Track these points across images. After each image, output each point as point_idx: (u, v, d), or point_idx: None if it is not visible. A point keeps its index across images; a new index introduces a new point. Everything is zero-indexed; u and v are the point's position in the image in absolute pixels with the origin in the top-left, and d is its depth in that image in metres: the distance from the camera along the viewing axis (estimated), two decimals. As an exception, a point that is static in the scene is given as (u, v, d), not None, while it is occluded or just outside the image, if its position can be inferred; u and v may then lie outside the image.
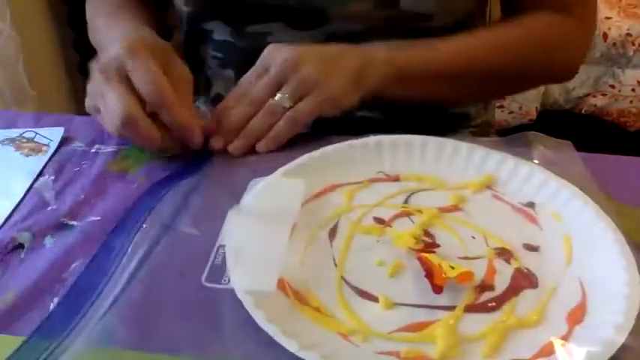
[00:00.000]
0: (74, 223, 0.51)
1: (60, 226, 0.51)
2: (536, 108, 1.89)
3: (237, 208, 0.48)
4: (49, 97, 1.53)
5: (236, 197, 0.50)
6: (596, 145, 0.63)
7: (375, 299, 0.42)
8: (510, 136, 0.55)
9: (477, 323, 0.40)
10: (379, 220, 0.48)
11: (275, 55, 0.59)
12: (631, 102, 1.84)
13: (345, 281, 0.43)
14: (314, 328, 0.39)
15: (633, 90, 1.83)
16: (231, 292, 0.41)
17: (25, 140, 0.61)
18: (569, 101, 1.88)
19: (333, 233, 0.47)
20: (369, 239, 0.47)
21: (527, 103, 1.86)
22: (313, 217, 0.48)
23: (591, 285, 0.42)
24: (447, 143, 0.54)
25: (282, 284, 0.42)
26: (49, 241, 0.50)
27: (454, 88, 0.66)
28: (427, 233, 0.47)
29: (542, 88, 1.84)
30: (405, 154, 0.54)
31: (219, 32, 0.71)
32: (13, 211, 0.52)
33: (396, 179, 0.53)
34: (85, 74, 1.73)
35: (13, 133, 0.62)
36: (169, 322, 0.40)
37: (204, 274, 0.44)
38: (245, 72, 0.60)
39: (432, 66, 0.63)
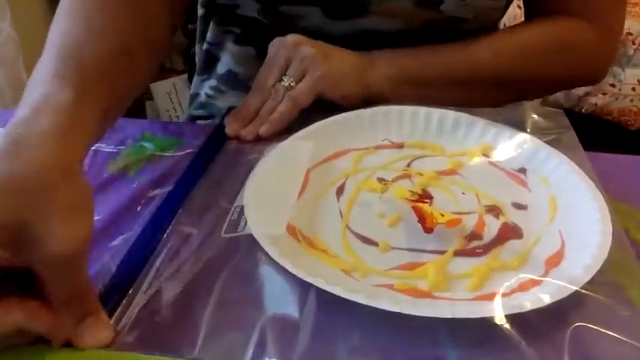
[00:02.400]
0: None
1: (60, 226, 0.51)
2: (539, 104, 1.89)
3: (254, 169, 0.51)
4: (49, 96, 1.53)
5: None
6: (597, 144, 0.63)
7: (375, 244, 0.46)
8: (507, 106, 0.60)
9: (464, 265, 0.44)
10: (382, 180, 0.53)
11: (279, 44, 0.62)
12: (631, 101, 1.84)
13: (349, 229, 0.48)
14: (320, 264, 0.44)
15: (633, 89, 1.83)
16: (247, 237, 0.44)
17: (25, 140, 0.61)
18: (570, 100, 1.88)
19: (340, 190, 0.52)
20: (372, 195, 0.51)
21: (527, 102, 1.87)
22: (324, 177, 0.53)
23: (569, 236, 0.46)
24: (449, 114, 0.58)
25: (292, 230, 0.46)
26: (49, 241, 0.49)
27: (459, 92, 0.66)
28: (425, 191, 0.52)
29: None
30: (410, 124, 0.59)
31: (246, 8, 0.68)
32: (14, 211, 0.52)
33: (401, 146, 0.57)
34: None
35: (13, 132, 0.62)
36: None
37: (224, 228, 0.47)
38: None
39: (433, 70, 0.64)
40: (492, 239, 0.46)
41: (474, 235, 0.47)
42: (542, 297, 0.39)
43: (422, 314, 0.38)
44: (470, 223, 0.48)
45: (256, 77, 0.63)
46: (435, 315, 0.38)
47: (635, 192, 0.53)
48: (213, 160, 0.57)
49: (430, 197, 0.51)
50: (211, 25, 0.75)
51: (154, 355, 0.38)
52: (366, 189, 0.52)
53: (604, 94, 1.85)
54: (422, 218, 0.46)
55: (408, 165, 0.55)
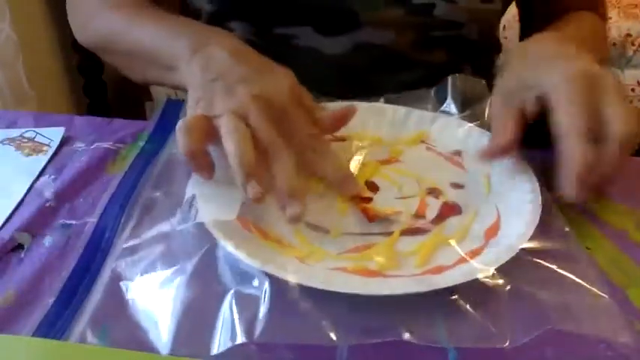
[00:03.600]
0: (74, 223, 0.51)
1: (60, 226, 0.51)
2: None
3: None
4: (48, 97, 1.53)
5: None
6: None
7: (326, 231, 0.48)
8: (435, 87, 0.61)
9: (411, 243, 0.47)
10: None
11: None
12: (631, 102, 1.84)
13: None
14: (275, 253, 0.45)
15: (633, 90, 1.83)
16: (200, 225, 0.45)
17: (25, 140, 0.61)
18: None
19: None
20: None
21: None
22: None
23: (504, 209, 0.49)
24: (388, 108, 0.60)
25: (246, 224, 0.47)
26: (48, 241, 0.50)
27: None
28: (369, 182, 0.53)
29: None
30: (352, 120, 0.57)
31: (242, 31, 0.68)
32: (14, 211, 0.53)
33: (343, 139, 0.57)
34: (84, 74, 1.73)
35: (14, 133, 0.62)
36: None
37: (177, 219, 0.46)
38: None
39: None
40: (434, 218, 0.49)
41: (418, 216, 0.50)
42: (485, 265, 0.42)
43: (374, 293, 0.40)
44: (412, 205, 0.50)
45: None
46: (386, 292, 0.40)
47: (633, 194, 0.53)
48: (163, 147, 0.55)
49: (376, 188, 0.52)
50: None
51: (154, 355, 0.38)
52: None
53: (603, 95, 1.86)
54: (365, 213, 0.49)
55: (352, 157, 0.56)
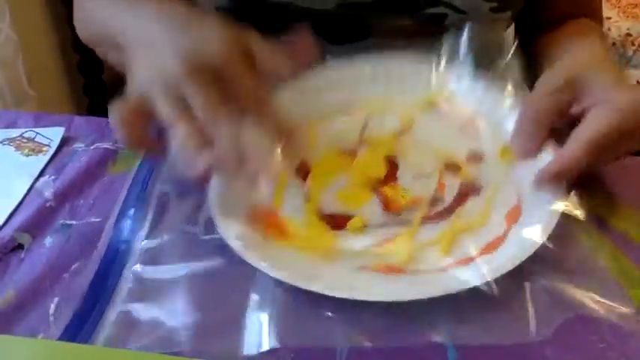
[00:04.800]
0: (74, 223, 0.51)
1: (60, 227, 0.51)
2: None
3: None
4: (48, 97, 1.53)
5: None
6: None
7: (345, 224, 0.47)
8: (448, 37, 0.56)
9: (431, 232, 0.46)
10: (343, 153, 0.52)
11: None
12: (631, 102, 1.84)
13: (319, 213, 0.48)
14: (298, 258, 0.44)
15: (633, 90, 1.83)
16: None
17: (25, 140, 0.61)
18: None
19: (302, 170, 0.51)
20: (337, 174, 0.51)
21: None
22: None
23: (524, 185, 0.47)
24: (394, 65, 0.57)
25: (261, 217, 0.46)
26: (48, 241, 0.50)
27: None
28: (389, 160, 0.51)
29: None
30: (355, 80, 0.56)
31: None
32: (14, 211, 0.53)
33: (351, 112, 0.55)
34: (84, 74, 1.73)
35: (14, 133, 0.62)
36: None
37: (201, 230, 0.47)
38: None
39: None
40: (453, 200, 0.48)
41: (437, 199, 0.48)
42: (507, 259, 0.41)
43: (399, 299, 0.40)
44: (431, 186, 0.49)
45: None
46: (412, 297, 0.40)
47: (633, 193, 0.53)
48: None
49: (395, 168, 0.51)
50: None
51: (153, 355, 0.38)
52: (328, 167, 0.51)
53: (603, 95, 1.85)
54: (386, 205, 0.48)
55: (363, 130, 0.54)
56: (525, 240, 0.43)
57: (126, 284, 0.44)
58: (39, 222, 0.51)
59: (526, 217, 0.46)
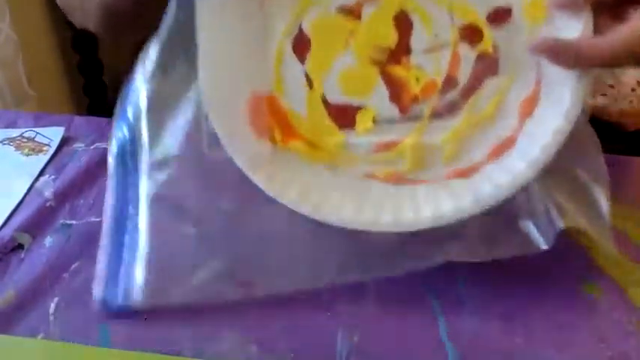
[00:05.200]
0: (74, 223, 0.51)
1: (60, 226, 0.51)
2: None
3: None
4: (48, 97, 1.53)
5: None
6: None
7: (353, 120, 0.43)
8: None
9: (442, 130, 0.42)
10: (345, 12, 0.43)
11: None
12: (631, 102, 1.84)
13: (325, 102, 0.44)
14: (301, 165, 0.42)
15: (633, 90, 1.82)
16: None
17: (25, 140, 0.61)
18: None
19: (299, 43, 0.43)
20: (339, 46, 0.43)
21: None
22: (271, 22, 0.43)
23: (546, 67, 0.41)
24: None
25: (263, 104, 0.42)
26: (49, 241, 0.50)
27: None
28: (400, 15, 0.43)
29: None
30: None
31: None
32: (14, 211, 0.52)
33: None
34: (84, 74, 1.73)
35: (14, 132, 0.62)
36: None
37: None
38: None
39: None
40: (467, 84, 0.43)
41: (450, 81, 0.43)
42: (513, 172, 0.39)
43: (397, 229, 0.40)
44: (444, 61, 0.43)
45: None
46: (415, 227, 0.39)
47: (632, 193, 0.53)
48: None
49: (409, 28, 0.43)
50: None
51: (154, 355, 0.38)
52: (329, 37, 0.43)
53: (603, 95, 1.85)
54: (395, 94, 0.43)
55: None
56: (533, 150, 0.40)
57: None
58: (39, 222, 0.51)
59: (542, 108, 0.41)
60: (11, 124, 0.64)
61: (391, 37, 0.43)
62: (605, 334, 0.41)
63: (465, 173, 0.41)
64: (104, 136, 0.61)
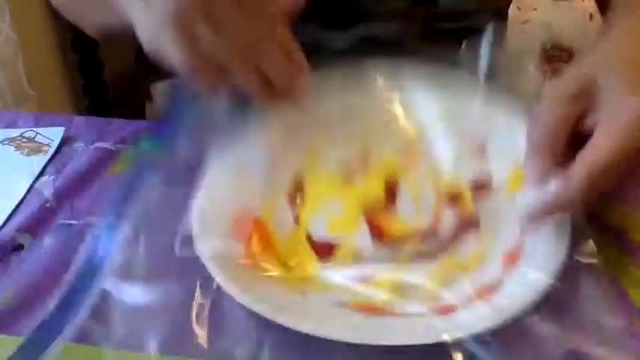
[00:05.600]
0: (74, 223, 0.51)
1: (60, 226, 0.51)
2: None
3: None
4: (48, 97, 1.53)
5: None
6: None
7: (332, 253, 0.45)
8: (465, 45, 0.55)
9: (420, 272, 0.43)
10: (341, 177, 0.49)
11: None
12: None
13: (307, 238, 0.46)
14: (271, 286, 0.42)
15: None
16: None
17: (25, 140, 0.61)
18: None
19: (296, 191, 0.49)
20: (331, 197, 0.48)
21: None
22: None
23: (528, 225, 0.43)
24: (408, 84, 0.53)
25: (248, 228, 0.45)
26: (48, 241, 0.50)
27: None
28: (388, 185, 0.48)
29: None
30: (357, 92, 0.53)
31: None
32: (14, 211, 0.53)
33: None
34: (84, 74, 1.73)
35: (14, 132, 0.62)
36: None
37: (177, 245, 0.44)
38: None
39: None
40: (448, 236, 0.45)
41: (431, 231, 0.45)
42: (497, 312, 0.38)
43: (370, 342, 0.37)
44: (427, 217, 0.46)
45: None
46: (386, 343, 0.37)
47: (632, 193, 0.53)
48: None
49: (395, 194, 0.48)
50: None
51: (153, 355, 0.38)
52: (323, 190, 0.49)
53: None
54: (378, 236, 0.46)
55: (365, 156, 0.51)
56: (523, 292, 0.39)
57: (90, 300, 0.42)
58: (39, 222, 0.51)
59: (526, 259, 0.42)
60: (11, 124, 0.64)
61: (380, 199, 0.48)
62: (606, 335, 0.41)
63: (444, 311, 0.39)
64: (104, 136, 0.61)
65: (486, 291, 0.40)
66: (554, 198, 0.41)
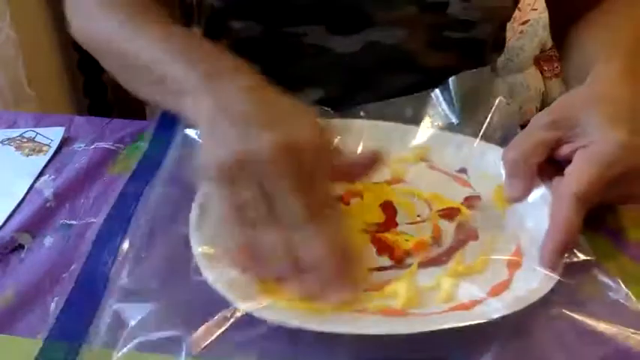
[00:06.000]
0: (74, 223, 0.51)
1: (60, 226, 0.51)
2: (537, 107, 1.89)
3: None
4: (49, 97, 1.53)
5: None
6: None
7: None
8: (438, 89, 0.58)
9: (431, 276, 0.44)
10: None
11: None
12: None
13: None
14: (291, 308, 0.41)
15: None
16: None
17: (25, 140, 0.61)
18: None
19: None
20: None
21: (527, 103, 1.87)
22: None
23: (522, 231, 0.47)
24: (381, 125, 0.57)
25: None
26: (49, 241, 0.50)
27: None
28: (385, 203, 0.50)
29: (541, 88, 1.84)
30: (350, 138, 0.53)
31: (246, 30, 0.64)
32: (14, 211, 0.53)
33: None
34: (84, 74, 1.73)
35: (14, 133, 0.62)
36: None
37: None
38: (272, 69, 0.51)
39: None
40: (451, 245, 0.47)
41: (434, 241, 0.47)
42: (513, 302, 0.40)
43: (402, 332, 0.38)
44: (426, 230, 0.48)
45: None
46: (414, 331, 0.38)
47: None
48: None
49: (394, 212, 0.50)
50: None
51: (153, 355, 0.38)
52: None
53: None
54: (387, 250, 0.46)
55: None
56: (533, 283, 0.42)
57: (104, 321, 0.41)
58: (39, 222, 0.51)
59: (528, 263, 0.44)
60: (11, 124, 0.64)
61: (379, 217, 0.49)
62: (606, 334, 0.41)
63: (467, 306, 0.41)
64: (104, 136, 0.61)
65: (497, 290, 0.42)
66: (560, 244, 0.43)
